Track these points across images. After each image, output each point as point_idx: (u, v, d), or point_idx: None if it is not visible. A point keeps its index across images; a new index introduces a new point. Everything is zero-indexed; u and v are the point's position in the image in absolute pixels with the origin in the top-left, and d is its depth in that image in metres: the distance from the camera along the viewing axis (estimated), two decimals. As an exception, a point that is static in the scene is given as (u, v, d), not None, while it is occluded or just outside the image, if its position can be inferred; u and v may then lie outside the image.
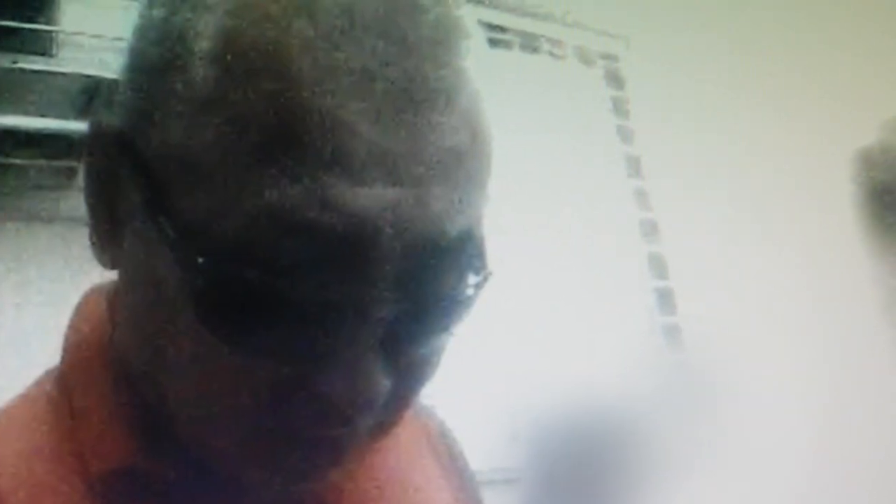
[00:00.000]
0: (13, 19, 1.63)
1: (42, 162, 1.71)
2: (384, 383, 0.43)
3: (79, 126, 1.64)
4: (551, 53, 2.62)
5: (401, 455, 0.61)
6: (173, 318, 0.44)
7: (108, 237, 0.49)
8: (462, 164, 0.43)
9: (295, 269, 0.41)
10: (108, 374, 0.52)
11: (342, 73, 0.41)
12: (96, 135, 0.48)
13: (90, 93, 1.68)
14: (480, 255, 0.46)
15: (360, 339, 0.42)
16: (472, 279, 0.46)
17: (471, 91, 0.44)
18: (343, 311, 0.42)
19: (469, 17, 0.47)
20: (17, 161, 1.67)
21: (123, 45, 0.49)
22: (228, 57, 0.42)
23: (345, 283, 0.41)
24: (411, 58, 0.42)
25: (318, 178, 0.40)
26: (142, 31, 0.47)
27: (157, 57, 0.45)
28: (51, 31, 1.70)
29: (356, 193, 0.40)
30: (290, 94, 0.40)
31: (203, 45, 0.42)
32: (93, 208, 0.49)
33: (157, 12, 0.46)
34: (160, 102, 0.44)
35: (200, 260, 0.41)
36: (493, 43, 2.49)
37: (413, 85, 0.42)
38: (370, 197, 0.40)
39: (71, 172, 1.73)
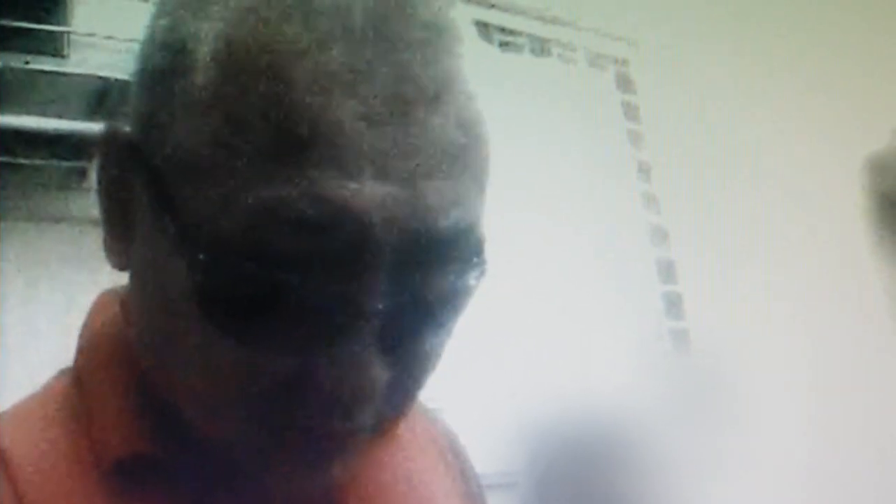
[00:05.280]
0: (25, 20, 1.63)
1: (53, 162, 1.71)
2: (382, 377, 0.45)
3: (90, 127, 1.64)
4: (561, 57, 2.62)
5: (411, 460, 0.61)
6: (180, 315, 0.45)
7: (120, 241, 0.50)
8: (455, 162, 0.44)
9: (291, 264, 0.42)
10: (123, 371, 0.53)
11: (334, 75, 0.42)
12: (109, 142, 0.50)
13: (102, 93, 1.69)
14: (478, 250, 0.47)
15: (357, 333, 0.44)
16: (469, 274, 0.47)
17: (464, 91, 0.45)
18: (339, 304, 0.43)
19: (470, 19, 0.48)
20: (28, 161, 1.68)
21: (135, 46, 0.50)
22: (226, 61, 0.43)
23: (339, 276, 0.43)
24: (402, 58, 0.43)
25: (312, 176, 0.42)
26: (150, 40, 0.49)
27: (162, 63, 0.47)
28: (63, 32, 1.71)
29: (347, 189, 0.42)
30: (285, 96, 0.42)
31: (203, 50, 0.44)
32: (106, 214, 0.51)
33: (163, 21, 0.48)
34: (165, 106, 0.46)
35: (201, 256, 0.43)
36: (504, 46, 2.49)
37: (404, 84, 0.43)
38: (361, 193, 0.42)
39: (82, 173, 1.74)
